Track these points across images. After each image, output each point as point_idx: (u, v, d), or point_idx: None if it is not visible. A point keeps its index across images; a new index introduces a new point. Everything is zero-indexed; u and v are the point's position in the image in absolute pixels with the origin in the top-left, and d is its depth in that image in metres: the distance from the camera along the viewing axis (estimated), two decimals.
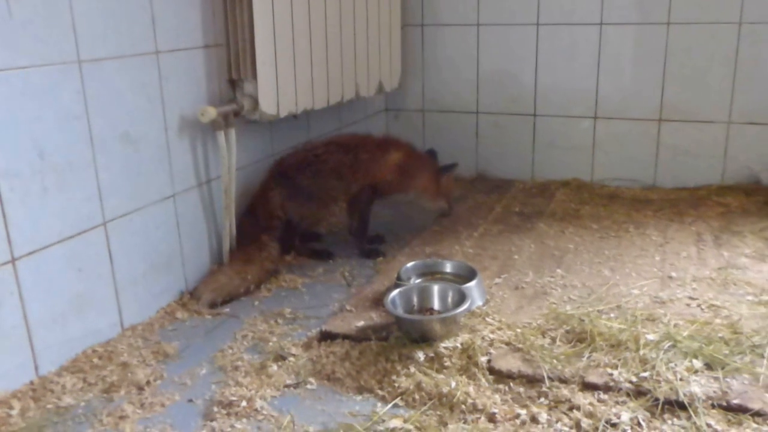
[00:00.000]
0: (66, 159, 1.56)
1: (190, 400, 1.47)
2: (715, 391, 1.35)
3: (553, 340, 1.57)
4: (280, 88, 2.09)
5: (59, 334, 1.58)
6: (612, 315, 1.68)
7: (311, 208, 2.23)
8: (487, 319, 1.68)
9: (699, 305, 1.74)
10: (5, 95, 1.41)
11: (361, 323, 1.71)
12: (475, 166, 3.13)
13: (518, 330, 1.61)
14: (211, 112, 1.90)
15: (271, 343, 1.68)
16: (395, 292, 1.70)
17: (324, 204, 2.25)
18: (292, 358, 1.60)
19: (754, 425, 1.28)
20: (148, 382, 1.53)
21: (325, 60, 2.33)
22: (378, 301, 1.82)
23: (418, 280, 1.91)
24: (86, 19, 1.57)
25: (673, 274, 1.95)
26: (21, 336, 1.49)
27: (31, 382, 1.51)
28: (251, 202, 2.21)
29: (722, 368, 1.42)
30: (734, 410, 1.31)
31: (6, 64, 1.41)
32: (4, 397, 1.44)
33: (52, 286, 1.55)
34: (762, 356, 1.46)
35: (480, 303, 1.78)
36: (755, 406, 1.31)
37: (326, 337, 1.68)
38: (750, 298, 1.77)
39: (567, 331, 1.59)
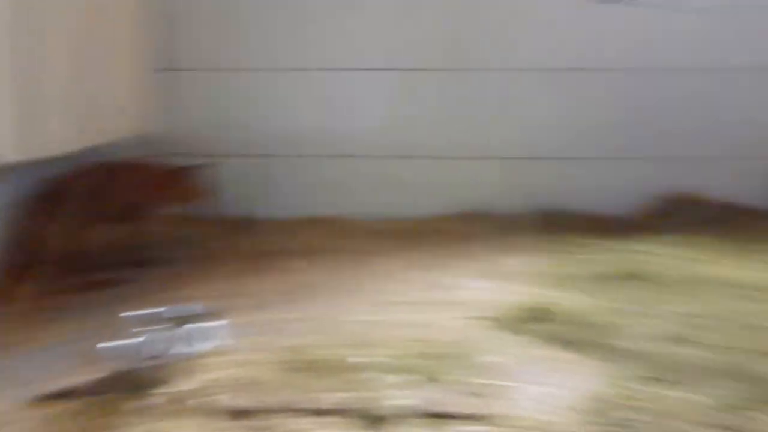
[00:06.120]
0: None
1: None
2: (419, 402, 1.50)
3: (287, 372, 1.65)
4: None
5: None
6: (331, 343, 1.80)
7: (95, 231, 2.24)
8: (223, 358, 1.72)
9: (410, 325, 1.94)
10: None
11: (86, 378, 1.63)
12: (220, 207, 3.15)
13: (252, 366, 1.67)
14: None
15: None
16: (128, 341, 1.67)
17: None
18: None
19: (458, 428, 1.44)
20: None
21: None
22: (107, 355, 1.72)
23: (155, 327, 1.89)
24: None
25: (390, 299, 2.17)
26: None
27: None
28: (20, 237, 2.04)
29: (429, 380, 1.59)
30: (440, 417, 1.46)
31: None
32: None
33: None
34: (464, 368, 1.66)
35: (220, 342, 1.81)
36: (458, 410, 1.48)
37: (49, 398, 1.57)
38: (457, 314, 2.02)
39: (296, 363, 1.68)
